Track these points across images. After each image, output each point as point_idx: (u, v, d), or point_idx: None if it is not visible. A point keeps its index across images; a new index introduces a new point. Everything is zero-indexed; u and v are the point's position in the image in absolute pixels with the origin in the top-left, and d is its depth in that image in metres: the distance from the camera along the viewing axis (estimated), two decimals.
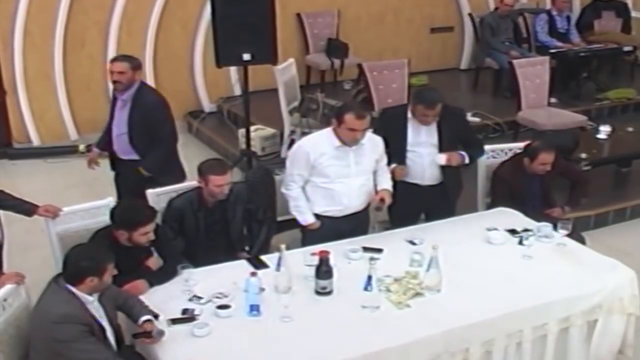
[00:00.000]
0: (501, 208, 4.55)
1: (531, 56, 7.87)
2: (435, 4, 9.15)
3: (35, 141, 7.46)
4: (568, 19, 8.65)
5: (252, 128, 6.42)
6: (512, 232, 4.20)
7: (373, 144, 4.20)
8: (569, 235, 4.13)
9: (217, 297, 3.51)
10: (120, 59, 4.82)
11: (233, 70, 7.99)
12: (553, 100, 7.33)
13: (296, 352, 3.20)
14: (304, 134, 5.93)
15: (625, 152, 6.36)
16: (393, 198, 4.45)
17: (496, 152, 5.01)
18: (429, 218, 4.56)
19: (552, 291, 3.67)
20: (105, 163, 5.07)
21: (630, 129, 6.60)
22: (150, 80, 7.68)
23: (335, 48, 8.29)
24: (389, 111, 5.08)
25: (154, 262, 3.79)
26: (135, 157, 4.85)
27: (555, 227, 4.14)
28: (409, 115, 4.45)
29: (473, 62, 9.08)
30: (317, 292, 3.58)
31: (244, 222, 4.31)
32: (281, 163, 4.86)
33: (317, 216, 4.21)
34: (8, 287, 3.31)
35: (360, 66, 6.97)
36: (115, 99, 4.89)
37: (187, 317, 3.39)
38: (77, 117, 7.50)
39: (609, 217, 5.89)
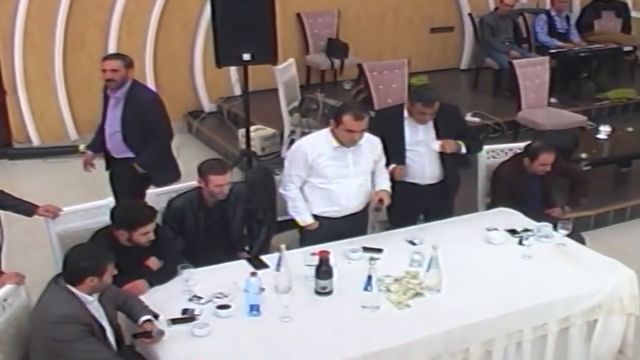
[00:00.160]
0: (501, 208, 4.55)
1: (531, 56, 7.87)
2: (435, 4, 9.15)
3: (35, 141, 7.47)
4: (567, 19, 8.65)
5: (252, 128, 6.42)
6: (512, 232, 4.20)
7: (371, 144, 4.20)
8: (569, 235, 4.13)
9: (217, 297, 3.51)
10: (113, 57, 4.83)
11: (233, 70, 7.99)
12: (553, 100, 7.33)
13: (296, 352, 3.20)
14: (304, 134, 5.93)
15: (625, 152, 6.35)
16: (392, 198, 4.45)
17: (496, 152, 5.01)
18: (428, 218, 4.56)
19: (552, 291, 3.67)
20: (101, 163, 5.07)
21: (630, 129, 6.59)
22: (150, 80, 7.69)
23: (335, 48, 8.29)
24: (384, 112, 5.08)
25: (154, 262, 3.79)
26: (129, 155, 4.85)
27: (555, 227, 4.14)
28: (405, 114, 4.45)
29: (473, 62, 9.08)
30: (317, 292, 3.58)
31: (244, 222, 4.31)
32: (281, 163, 4.86)
33: (315, 217, 4.20)
34: (8, 287, 3.31)
35: (360, 66, 6.98)
36: (107, 97, 4.87)
37: (187, 317, 3.39)
38: (77, 117, 7.49)
39: (609, 217, 5.89)
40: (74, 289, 3.09)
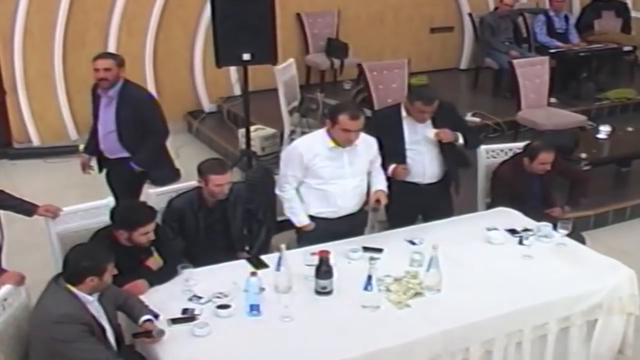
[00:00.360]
0: (501, 208, 4.55)
1: (531, 56, 7.87)
2: (435, 3, 9.15)
3: (35, 141, 7.47)
4: (566, 19, 8.65)
5: (252, 128, 6.42)
6: (512, 232, 4.20)
7: (367, 145, 4.19)
8: (569, 235, 4.13)
9: (217, 297, 3.51)
10: (104, 56, 4.80)
11: (233, 70, 7.99)
12: (553, 100, 7.34)
13: (296, 352, 3.20)
14: (303, 133, 5.92)
15: (625, 152, 6.36)
16: (391, 198, 4.45)
17: (496, 152, 5.02)
18: (428, 218, 4.54)
19: (552, 291, 3.67)
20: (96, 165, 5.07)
21: (630, 129, 6.60)
22: (150, 80, 7.70)
23: (335, 48, 8.29)
24: (382, 112, 5.08)
25: (154, 262, 3.79)
26: (124, 154, 4.83)
27: (555, 227, 4.14)
28: (404, 114, 4.44)
29: (473, 62, 9.08)
30: (317, 292, 3.58)
31: (244, 222, 4.31)
32: None
33: (311, 217, 4.19)
34: (8, 287, 3.31)
35: (360, 66, 6.98)
36: (98, 98, 4.84)
37: (187, 316, 3.39)
38: (77, 117, 7.49)
39: (608, 217, 5.89)
40: (74, 289, 3.09)
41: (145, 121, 4.77)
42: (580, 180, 4.97)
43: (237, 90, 8.03)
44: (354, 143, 4.06)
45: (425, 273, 3.65)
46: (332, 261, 3.60)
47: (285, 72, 6.76)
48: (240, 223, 4.29)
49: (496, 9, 8.44)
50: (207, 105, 8.17)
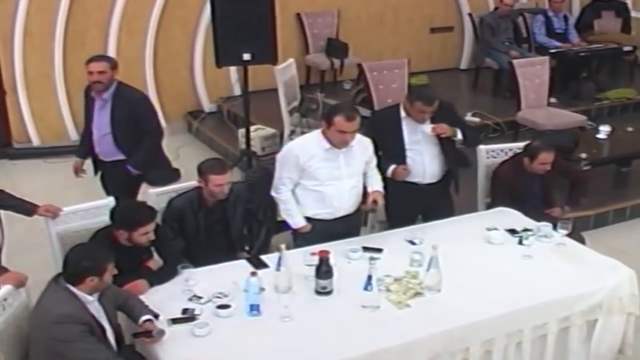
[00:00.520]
0: (501, 208, 4.55)
1: (531, 56, 7.87)
2: (435, 4, 9.15)
3: (35, 141, 7.47)
4: (566, 19, 8.64)
5: (252, 128, 6.42)
6: (512, 232, 4.20)
7: (362, 146, 4.18)
8: (568, 235, 4.13)
9: (217, 297, 3.51)
10: (98, 59, 4.75)
11: (233, 70, 7.98)
12: (553, 100, 7.34)
13: (296, 352, 3.20)
14: (303, 133, 5.92)
15: (625, 152, 6.36)
16: (391, 198, 4.45)
17: (496, 152, 5.01)
18: (428, 218, 4.54)
19: (552, 291, 3.67)
20: (90, 168, 5.05)
21: (630, 129, 6.60)
22: (150, 80, 7.70)
23: (335, 48, 8.29)
24: (380, 113, 5.07)
25: (154, 262, 3.79)
26: (119, 157, 4.81)
27: (555, 227, 4.14)
28: (403, 114, 4.44)
29: (473, 62, 9.08)
30: (317, 292, 3.58)
31: (244, 222, 4.31)
32: None
33: (307, 219, 4.18)
34: (8, 287, 3.31)
35: (360, 66, 6.98)
36: (92, 100, 4.81)
37: (187, 316, 3.39)
38: (77, 117, 7.48)
39: (608, 217, 5.90)
40: (74, 289, 3.09)
41: (140, 122, 4.76)
42: (580, 180, 4.97)
43: (237, 90, 8.03)
44: (350, 144, 4.05)
45: (425, 273, 3.65)
46: (332, 261, 3.60)
47: (285, 72, 6.76)
48: (240, 223, 4.29)
49: (496, 9, 8.44)
50: (207, 105, 8.17)
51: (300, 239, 4.18)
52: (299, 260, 3.77)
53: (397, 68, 6.90)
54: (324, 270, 3.56)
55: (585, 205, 5.27)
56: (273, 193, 4.22)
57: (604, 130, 6.39)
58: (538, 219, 4.32)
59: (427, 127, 4.37)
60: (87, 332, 3.05)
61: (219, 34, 5.61)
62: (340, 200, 4.15)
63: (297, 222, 4.17)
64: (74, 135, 7.52)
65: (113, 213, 3.81)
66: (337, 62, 8.22)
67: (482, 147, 5.00)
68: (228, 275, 3.70)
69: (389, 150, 4.50)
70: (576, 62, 8.17)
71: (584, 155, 5.85)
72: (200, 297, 3.53)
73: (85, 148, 5.00)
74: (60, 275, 3.14)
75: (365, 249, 3.99)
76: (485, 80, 8.44)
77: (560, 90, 7.78)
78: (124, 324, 3.43)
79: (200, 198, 4.14)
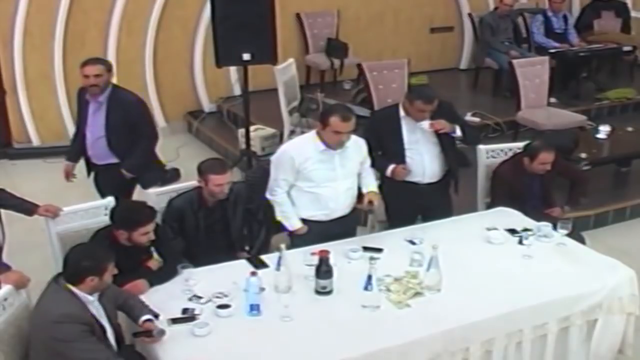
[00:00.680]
0: (501, 208, 4.55)
1: (531, 56, 7.87)
2: (435, 4, 9.15)
3: (35, 141, 7.47)
4: (565, 19, 8.63)
5: (251, 128, 6.42)
6: (512, 231, 4.20)
7: (357, 146, 4.17)
8: (568, 235, 4.13)
9: (217, 297, 3.52)
10: (94, 62, 4.69)
11: (233, 70, 7.98)
12: (553, 100, 7.34)
13: (296, 352, 3.20)
14: (303, 133, 5.93)
15: (625, 152, 6.36)
16: (391, 198, 4.45)
17: (496, 152, 5.01)
18: (427, 218, 4.54)
19: (552, 291, 3.67)
20: (83, 171, 5.00)
21: (629, 129, 6.60)
22: (150, 80, 7.70)
23: (335, 48, 8.29)
24: (380, 113, 5.07)
25: (154, 262, 3.79)
26: (113, 161, 4.77)
27: (555, 227, 4.15)
28: (402, 114, 4.44)
29: (473, 62, 9.08)
30: (317, 292, 3.58)
31: (244, 222, 4.31)
32: None
33: (304, 221, 4.16)
34: (8, 287, 3.31)
35: (360, 66, 6.98)
36: (86, 103, 4.77)
37: (187, 316, 3.39)
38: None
39: (608, 216, 5.90)
40: (74, 289, 3.09)
41: (135, 125, 4.72)
42: (579, 180, 4.97)
43: (237, 90, 8.03)
44: (346, 145, 4.04)
45: (425, 273, 3.65)
46: (332, 261, 3.60)
47: (285, 72, 6.76)
48: (240, 223, 4.29)
49: (496, 9, 8.43)
50: (207, 105, 8.17)
51: (296, 240, 4.17)
52: (299, 260, 3.77)
53: (397, 68, 6.90)
54: (324, 270, 3.56)
55: (585, 205, 5.27)
56: (268, 195, 4.20)
57: (603, 130, 6.39)
58: (538, 219, 4.33)
59: (425, 124, 4.36)
60: (88, 332, 3.05)
61: (219, 34, 5.61)
62: (336, 202, 4.14)
63: (293, 224, 4.16)
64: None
65: (113, 213, 3.81)
66: (337, 62, 8.22)
67: (482, 147, 5.00)
68: (228, 275, 3.70)
69: (389, 150, 4.50)
70: (576, 62, 8.17)
71: (583, 155, 5.85)
72: (200, 297, 3.53)
73: (76, 151, 4.95)
74: (61, 275, 3.14)
75: (365, 248, 3.99)
76: (485, 80, 8.44)
77: (560, 90, 7.78)
78: (124, 323, 3.43)
79: (200, 198, 4.14)
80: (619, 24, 9.30)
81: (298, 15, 8.41)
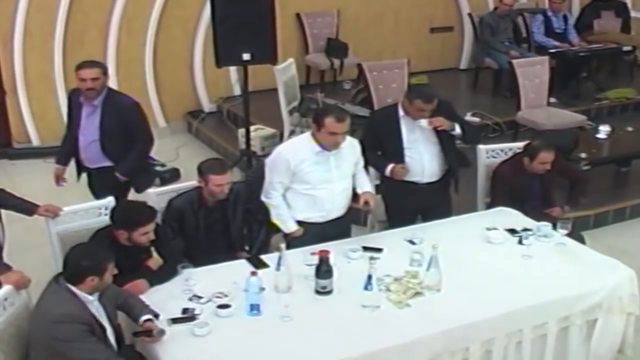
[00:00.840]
0: (501, 207, 4.55)
1: (531, 56, 7.87)
2: (434, 4, 9.15)
3: (35, 141, 7.47)
4: (565, 19, 8.64)
5: (251, 128, 6.42)
6: (512, 231, 4.20)
7: (351, 146, 4.16)
8: (568, 235, 4.13)
9: (217, 297, 3.52)
10: (90, 65, 4.56)
11: (233, 70, 7.99)
12: (552, 100, 7.34)
13: (296, 352, 3.20)
14: (303, 133, 5.93)
15: (625, 152, 6.36)
16: (391, 197, 4.44)
17: (496, 152, 5.02)
18: (427, 217, 4.54)
19: (552, 291, 3.67)
20: (73, 173, 4.93)
21: (629, 129, 6.60)
22: (150, 80, 7.71)
23: (335, 48, 8.30)
24: (379, 113, 5.06)
25: (154, 262, 3.79)
26: (106, 164, 4.70)
27: (554, 227, 4.15)
28: (401, 113, 4.44)
29: (473, 62, 9.08)
30: (317, 292, 3.58)
31: (244, 222, 4.31)
32: None
33: (299, 223, 4.14)
34: (9, 287, 3.31)
35: (360, 66, 6.98)
36: (79, 106, 4.66)
37: (188, 316, 3.39)
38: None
39: (608, 216, 5.90)
40: (74, 289, 3.09)
41: (130, 129, 4.65)
42: (579, 180, 4.97)
43: (237, 90, 8.03)
44: (341, 146, 4.03)
45: (425, 273, 3.66)
46: (332, 261, 3.61)
47: (285, 72, 6.76)
48: (240, 223, 4.30)
49: (496, 8, 8.44)
50: (207, 105, 8.17)
51: (292, 243, 4.12)
52: (299, 260, 3.77)
53: (396, 68, 6.91)
54: (324, 270, 3.56)
55: (585, 205, 5.27)
56: (263, 198, 4.18)
57: (603, 130, 6.39)
58: (538, 219, 4.33)
59: (424, 121, 4.35)
60: (88, 331, 3.05)
61: (219, 34, 5.61)
62: (332, 203, 4.13)
63: (289, 226, 4.14)
64: None
65: (113, 213, 3.81)
66: (337, 62, 8.23)
67: (482, 147, 5.01)
68: (228, 275, 3.70)
69: (388, 149, 4.51)
70: (576, 62, 8.17)
71: (583, 155, 5.85)
72: (200, 297, 3.53)
73: (66, 154, 4.86)
74: (61, 275, 3.14)
75: (365, 248, 3.99)
76: (485, 80, 8.44)
77: (559, 90, 7.78)
78: (124, 323, 3.43)
79: (200, 198, 4.14)
80: (619, 24, 9.31)
81: (298, 15, 8.42)
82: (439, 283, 3.61)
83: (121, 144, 4.66)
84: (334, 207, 4.15)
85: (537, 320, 3.60)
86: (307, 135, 4.11)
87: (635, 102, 8.20)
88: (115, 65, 7.45)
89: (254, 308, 3.41)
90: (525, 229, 4.16)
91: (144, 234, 3.68)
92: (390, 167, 4.44)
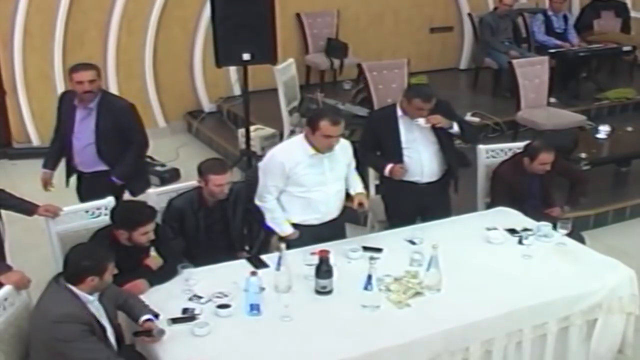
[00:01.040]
0: (501, 208, 4.55)
1: (530, 56, 7.87)
2: (434, 4, 9.15)
3: (35, 141, 7.47)
4: (565, 18, 8.63)
5: (251, 128, 6.42)
6: (512, 231, 4.20)
7: (343, 148, 4.16)
8: (568, 235, 4.14)
9: (217, 297, 3.52)
10: (86, 68, 4.48)
11: (233, 70, 7.99)
12: (552, 100, 7.34)
13: (296, 352, 3.20)
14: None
15: (625, 152, 6.36)
16: (390, 197, 4.44)
17: (495, 152, 5.02)
18: (426, 217, 4.53)
19: (552, 290, 3.68)
20: (63, 178, 4.85)
21: (629, 129, 6.60)
22: (150, 80, 7.71)
23: (335, 48, 8.30)
24: (377, 113, 5.06)
25: (154, 261, 3.79)
26: (101, 168, 4.63)
27: (554, 227, 4.15)
28: (399, 113, 4.44)
29: (472, 62, 9.08)
30: (317, 292, 3.58)
31: (244, 222, 4.31)
32: None
33: (295, 226, 4.14)
34: (9, 287, 3.31)
35: (359, 66, 6.98)
36: (72, 109, 4.58)
37: (188, 316, 3.39)
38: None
39: (608, 216, 5.90)
40: (74, 289, 3.09)
41: (126, 131, 4.59)
42: (579, 180, 4.97)
43: (237, 90, 8.03)
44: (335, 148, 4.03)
45: (425, 273, 3.66)
46: (332, 261, 3.61)
47: (285, 72, 6.76)
48: (240, 223, 4.30)
49: (496, 8, 8.43)
50: (207, 105, 8.17)
51: (288, 245, 4.12)
52: (299, 260, 3.77)
53: (396, 68, 6.91)
54: (324, 270, 3.56)
55: (585, 205, 5.27)
56: (258, 202, 4.17)
57: (603, 130, 6.39)
58: (538, 219, 4.33)
59: (421, 120, 4.35)
60: (88, 331, 3.05)
61: (219, 34, 5.61)
62: (327, 205, 4.13)
63: (284, 229, 4.13)
64: None
65: (113, 213, 3.81)
66: (336, 62, 8.23)
67: (481, 147, 5.01)
68: (228, 275, 3.70)
69: (387, 149, 4.51)
70: (576, 62, 8.17)
71: (583, 155, 5.85)
72: (200, 297, 3.53)
73: (55, 158, 4.79)
74: (61, 275, 3.15)
75: (365, 248, 4.00)
76: (485, 80, 8.44)
77: (559, 90, 7.78)
78: (125, 323, 3.43)
79: (200, 198, 4.14)
80: (619, 24, 9.31)
81: (298, 15, 8.41)
82: (439, 283, 3.61)
83: (117, 146, 4.60)
84: (329, 209, 4.15)
85: (537, 320, 3.60)
86: (300, 137, 4.10)
87: (635, 102, 8.20)
88: (115, 65, 7.46)
89: (254, 308, 3.41)
90: (525, 229, 4.16)
91: (144, 234, 3.68)
92: (389, 167, 4.44)
